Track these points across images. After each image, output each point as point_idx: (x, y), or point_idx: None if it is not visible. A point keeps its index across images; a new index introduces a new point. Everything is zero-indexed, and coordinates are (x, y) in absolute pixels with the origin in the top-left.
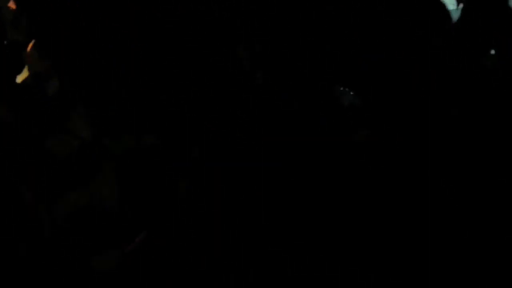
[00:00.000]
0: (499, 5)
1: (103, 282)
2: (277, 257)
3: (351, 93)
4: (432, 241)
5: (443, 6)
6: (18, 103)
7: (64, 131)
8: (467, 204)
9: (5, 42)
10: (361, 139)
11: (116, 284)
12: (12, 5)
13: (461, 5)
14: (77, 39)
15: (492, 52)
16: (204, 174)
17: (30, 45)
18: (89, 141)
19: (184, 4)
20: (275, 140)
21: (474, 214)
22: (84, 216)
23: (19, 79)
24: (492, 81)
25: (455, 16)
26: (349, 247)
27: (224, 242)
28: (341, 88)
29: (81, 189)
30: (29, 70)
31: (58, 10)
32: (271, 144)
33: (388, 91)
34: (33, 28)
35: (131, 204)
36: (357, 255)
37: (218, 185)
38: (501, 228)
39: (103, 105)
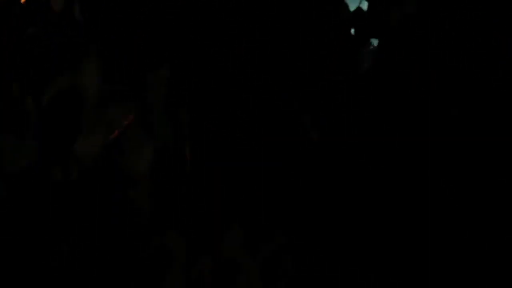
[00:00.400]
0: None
1: (87, 169)
2: (277, 257)
3: (351, 93)
4: (432, 241)
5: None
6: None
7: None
8: (467, 204)
9: None
10: (361, 139)
11: (98, 169)
12: None
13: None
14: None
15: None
16: (204, 174)
17: None
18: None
19: (184, 5)
20: (275, 140)
21: (474, 214)
22: (69, 100)
23: None
24: (492, 81)
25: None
26: (349, 247)
27: (224, 241)
28: (341, 89)
29: (67, 74)
30: None
31: None
32: (271, 144)
33: (388, 91)
34: None
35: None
36: (357, 255)
37: (218, 185)
38: (501, 228)
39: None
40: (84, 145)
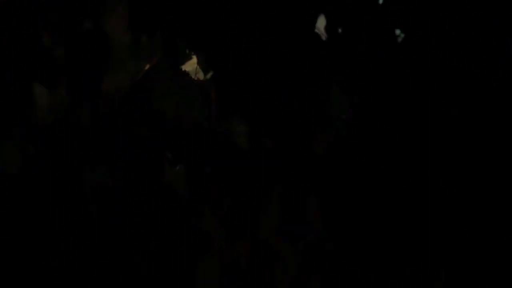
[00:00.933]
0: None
1: (113, 105)
2: (277, 258)
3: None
4: (432, 241)
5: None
6: None
7: None
8: (467, 204)
9: None
10: (360, 139)
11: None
12: None
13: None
14: None
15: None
16: (204, 174)
17: None
18: None
19: (183, 5)
20: (275, 140)
21: (474, 214)
22: (96, 44)
23: None
24: (492, 81)
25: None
26: (349, 247)
27: (260, 226)
28: (342, 88)
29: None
30: None
31: None
32: (271, 144)
33: (388, 91)
34: None
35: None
36: (357, 255)
37: (218, 185)
38: (501, 228)
39: None
40: (111, 84)
